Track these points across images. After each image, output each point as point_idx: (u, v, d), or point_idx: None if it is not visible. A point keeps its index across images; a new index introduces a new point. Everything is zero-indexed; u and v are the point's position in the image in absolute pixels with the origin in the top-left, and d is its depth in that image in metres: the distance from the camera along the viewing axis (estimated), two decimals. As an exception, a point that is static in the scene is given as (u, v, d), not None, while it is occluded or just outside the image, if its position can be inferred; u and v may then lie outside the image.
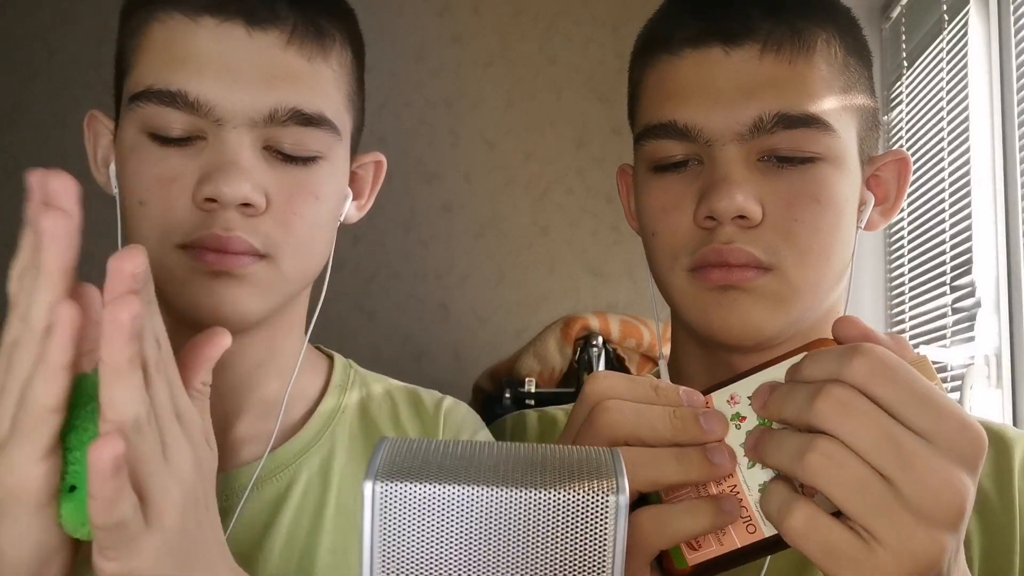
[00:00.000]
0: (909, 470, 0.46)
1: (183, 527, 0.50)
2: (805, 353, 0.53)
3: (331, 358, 0.84)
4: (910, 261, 1.91)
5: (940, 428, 0.47)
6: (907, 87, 1.95)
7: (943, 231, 1.72)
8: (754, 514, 0.53)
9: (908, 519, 0.47)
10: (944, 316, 1.70)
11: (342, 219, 0.77)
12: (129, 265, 0.45)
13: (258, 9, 0.68)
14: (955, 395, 1.58)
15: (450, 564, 0.42)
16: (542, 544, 0.42)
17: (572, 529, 0.42)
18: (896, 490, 0.47)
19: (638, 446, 0.53)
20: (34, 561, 0.49)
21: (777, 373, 0.54)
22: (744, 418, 0.54)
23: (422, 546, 0.42)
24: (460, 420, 0.83)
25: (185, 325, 0.65)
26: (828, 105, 0.71)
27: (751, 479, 0.53)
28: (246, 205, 0.66)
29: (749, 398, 0.54)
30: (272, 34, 0.68)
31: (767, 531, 0.52)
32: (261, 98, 0.67)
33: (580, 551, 0.42)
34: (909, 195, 1.89)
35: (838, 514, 0.49)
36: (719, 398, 0.55)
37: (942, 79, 1.74)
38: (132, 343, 0.46)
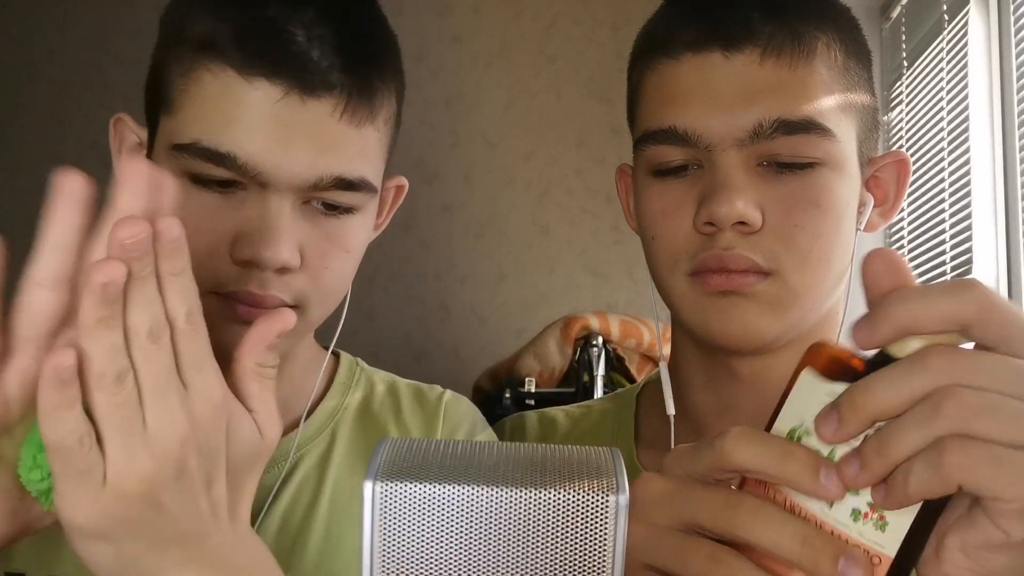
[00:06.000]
0: None
1: (152, 499, 0.49)
2: (806, 369, 0.48)
3: (338, 356, 0.87)
4: (910, 261, 1.91)
5: None
6: (907, 87, 1.95)
7: (943, 231, 1.72)
8: (862, 543, 0.46)
9: None
10: (944, 316, 1.70)
11: None
12: (123, 233, 0.46)
13: (314, 77, 0.66)
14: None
15: (450, 564, 0.42)
16: (542, 544, 0.42)
17: (572, 529, 0.42)
18: None
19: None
20: None
21: (804, 402, 0.48)
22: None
23: (422, 546, 0.42)
24: (460, 414, 0.84)
25: None
26: (828, 110, 0.71)
27: (838, 515, 0.46)
28: (283, 268, 0.67)
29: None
30: (327, 103, 0.67)
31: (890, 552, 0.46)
32: (308, 167, 0.67)
33: (580, 551, 0.42)
34: (909, 195, 1.89)
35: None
36: None
37: (942, 79, 1.74)
38: (103, 307, 0.46)
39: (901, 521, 0.45)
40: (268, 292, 0.67)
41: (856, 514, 0.46)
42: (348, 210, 0.71)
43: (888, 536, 0.45)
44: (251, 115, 0.66)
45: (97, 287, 0.46)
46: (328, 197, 0.69)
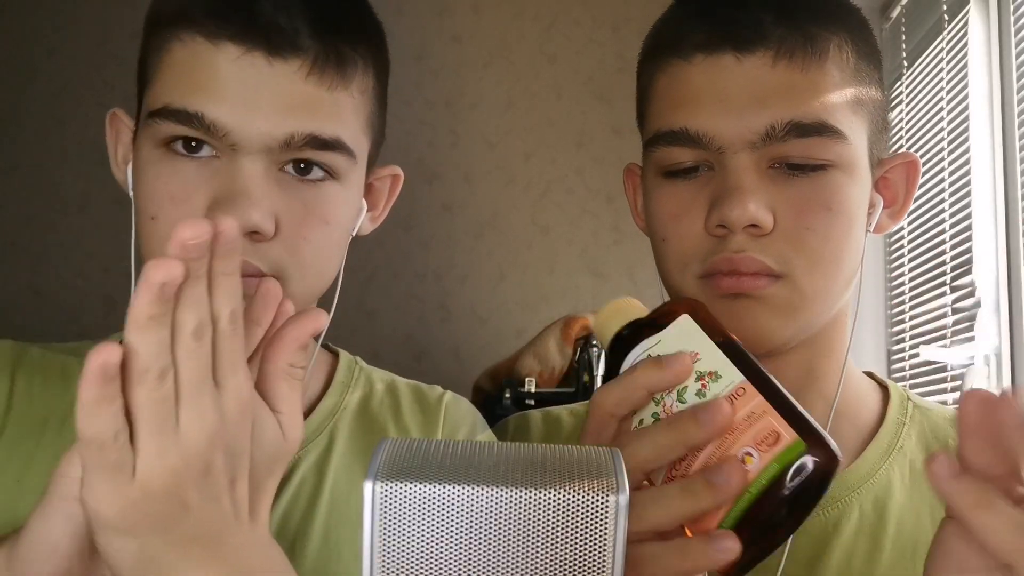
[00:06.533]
0: None
1: (178, 496, 0.49)
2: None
3: (336, 355, 0.86)
4: (910, 261, 1.91)
5: None
6: (907, 87, 1.95)
7: (943, 231, 1.72)
8: (722, 396, 0.55)
9: None
10: (944, 316, 1.70)
11: (355, 233, 0.78)
12: (187, 234, 0.47)
13: (279, 39, 0.68)
14: (955, 395, 1.58)
15: (450, 564, 0.42)
16: (542, 544, 0.42)
17: (572, 529, 0.42)
18: None
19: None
20: (64, 553, 0.51)
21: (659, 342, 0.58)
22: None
23: (422, 546, 0.42)
24: (460, 415, 0.84)
25: None
26: (840, 113, 0.71)
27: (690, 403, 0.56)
28: (255, 232, 0.67)
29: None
30: (293, 64, 0.68)
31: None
32: (278, 126, 0.67)
33: (580, 551, 0.42)
34: (909, 195, 1.89)
35: None
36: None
37: (942, 79, 1.74)
38: (155, 304, 0.46)
39: (717, 359, 0.56)
40: (241, 258, 0.67)
41: (700, 392, 0.55)
42: (325, 177, 0.70)
43: (725, 375, 0.56)
44: (218, 77, 0.67)
45: (154, 285, 0.46)
46: (303, 156, 0.69)
